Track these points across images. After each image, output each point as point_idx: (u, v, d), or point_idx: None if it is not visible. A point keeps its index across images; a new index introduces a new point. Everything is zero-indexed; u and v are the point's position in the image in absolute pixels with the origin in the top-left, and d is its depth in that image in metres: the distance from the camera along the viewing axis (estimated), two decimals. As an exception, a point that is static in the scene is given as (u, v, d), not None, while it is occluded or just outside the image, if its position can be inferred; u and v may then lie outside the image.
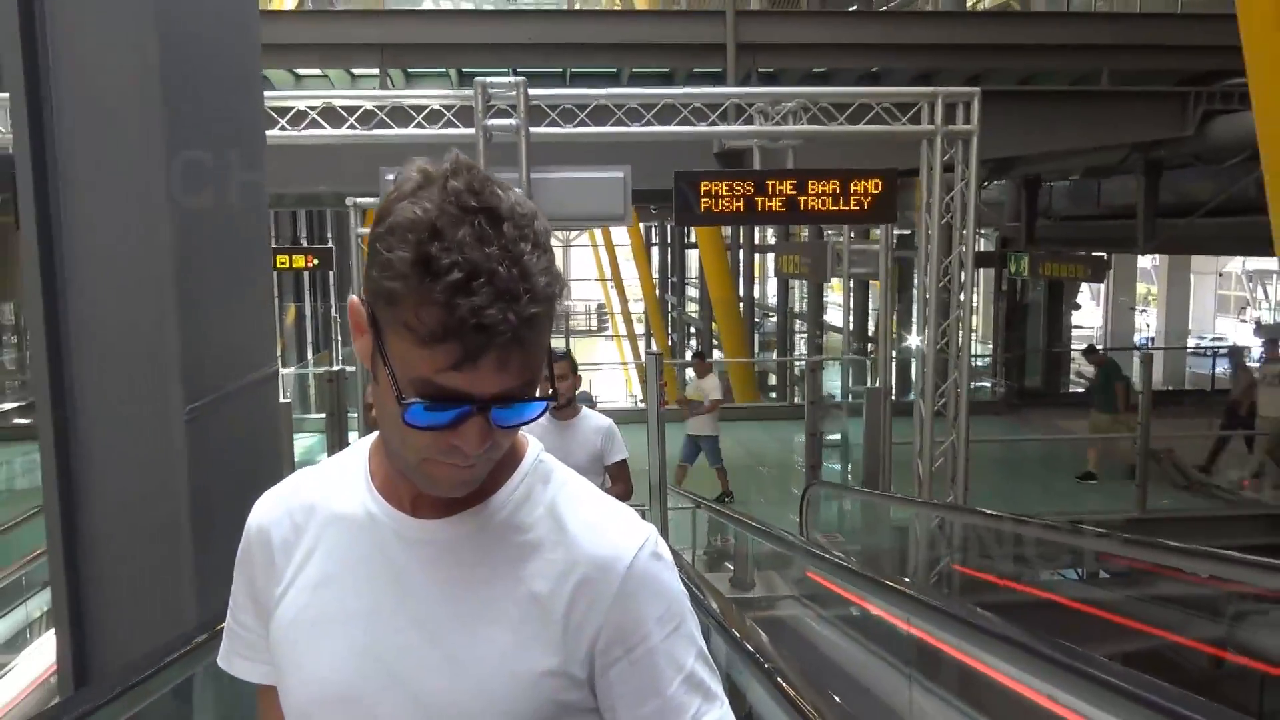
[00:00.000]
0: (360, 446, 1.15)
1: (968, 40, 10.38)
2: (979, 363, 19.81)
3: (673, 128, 7.05)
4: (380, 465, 1.10)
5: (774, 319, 25.22)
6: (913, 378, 13.83)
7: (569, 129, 6.91)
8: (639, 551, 1.04)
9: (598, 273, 36.57)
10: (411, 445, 0.97)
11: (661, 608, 1.04)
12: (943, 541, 7.79)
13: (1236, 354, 12.23)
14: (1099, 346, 16.24)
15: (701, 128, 7.06)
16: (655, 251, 32.35)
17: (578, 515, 1.07)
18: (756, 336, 24.75)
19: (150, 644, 2.76)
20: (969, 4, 16.92)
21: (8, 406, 17.93)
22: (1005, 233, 16.16)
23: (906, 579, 5.26)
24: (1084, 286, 20.22)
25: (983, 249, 18.43)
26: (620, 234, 28.79)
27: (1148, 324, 28.91)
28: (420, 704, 1.03)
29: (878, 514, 9.11)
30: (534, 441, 1.13)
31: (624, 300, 33.24)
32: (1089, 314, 26.90)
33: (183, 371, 3.01)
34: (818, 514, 9.23)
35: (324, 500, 1.12)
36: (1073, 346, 19.20)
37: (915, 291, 8.40)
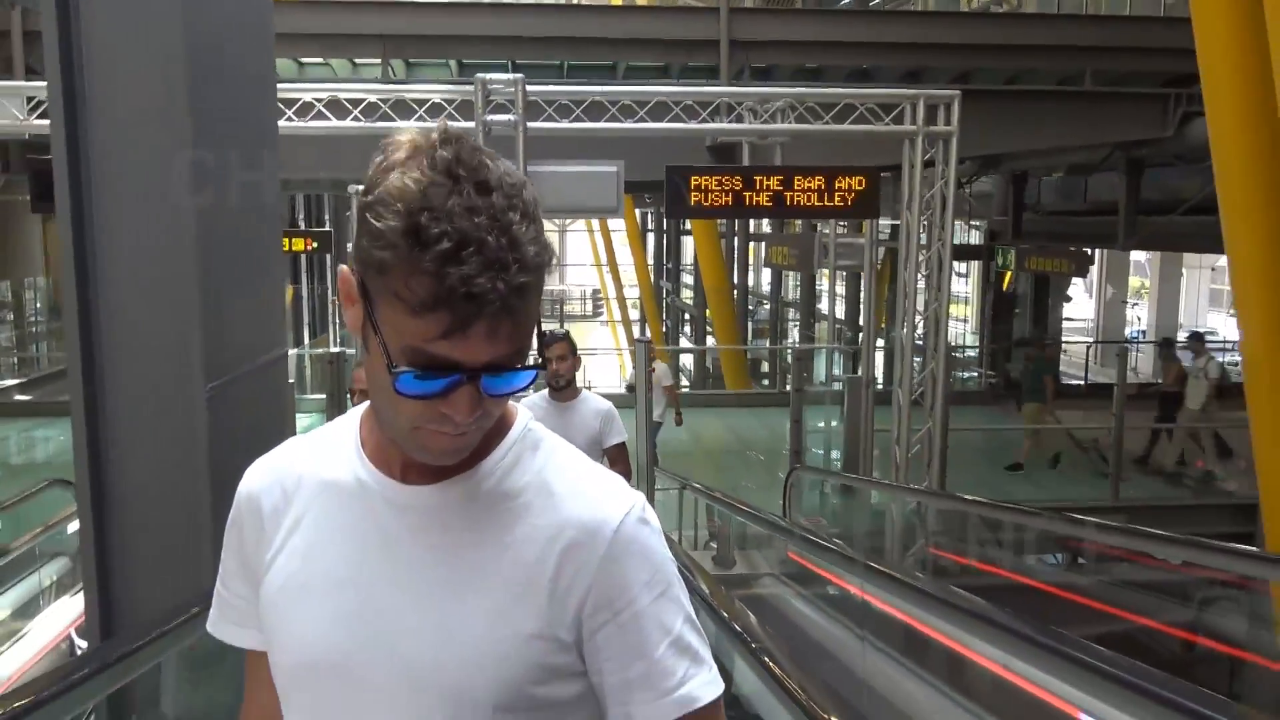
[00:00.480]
0: (351, 415, 1.17)
1: (954, 40, 10.64)
2: (970, 353, 20.16)
3: (665, 124, 7.34)
4: (371, 433, 1.11)
5: (768, 306, 25.48)
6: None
7: (565, 124, 7.19)
8: (626, 516, 1.05)
9: (593, 258, 36.71)
10: (403, 413, 0.98)
11: (648, 572, 1.05)
12: (918, 524, 8.14)
13: (1167, 346, 12.60)
14: (1048, 341, 16.60)
15: (692, 125, 7.35)
16: (650, 238, 32.49)
17: (565, 481, 1.08)
18: (750, 324, 25.05)
19: (171, 601, 2.96)
20: (962, 3, 17.16)
21: (10, 383, 18.16)
22: (994, 226, 16.46)
23: (866, 558, 5.56)
24: (1077, 279, 20.49)
25: (973, 242, 18.85)
26: (616, 220, 28.96)
27: (1139, 317, 29.17)
28: (409, 668, 1.04)
29: (859, 498, 9.45)
30: (523, 410, 1.15)
31: (619, 286, 33.33)
32: (1082, 306, 27.12)
33: (204, 353, 3.23)
34: (801, 498, 9.56)
35: (314, 468, 1.13)
36: (1063, 339, 19.51)
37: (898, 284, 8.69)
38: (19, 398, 16.04)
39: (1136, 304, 29.26)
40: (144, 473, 3.29)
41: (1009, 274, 16.52)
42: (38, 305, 21.01)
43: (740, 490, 10.16)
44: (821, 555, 6.09)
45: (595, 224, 34.10)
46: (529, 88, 7.00)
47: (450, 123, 0.98)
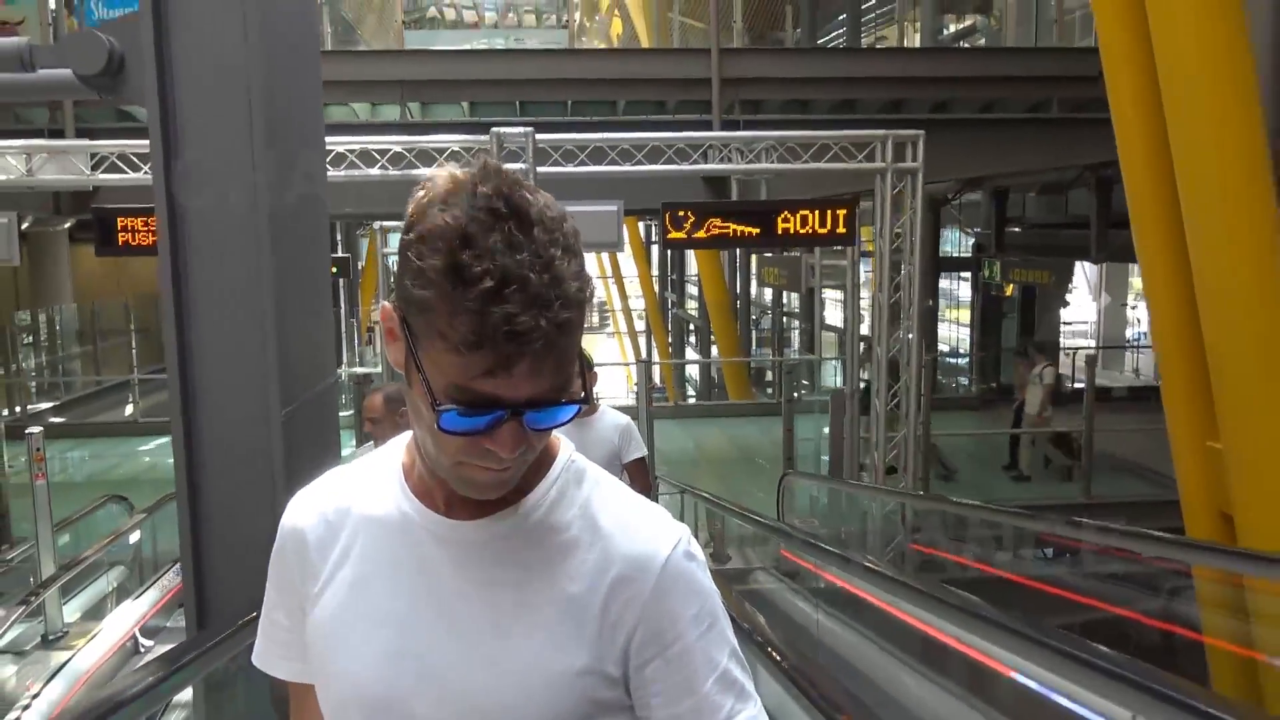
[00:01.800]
0: (393, 446, 1.16)
1: (930, 74, 11.44)
2: (961, 361, 20.86)
3: (660, 167, 8.18)
4: (414, 466, 1.10)
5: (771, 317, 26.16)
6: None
7: (571, 168, 8.03)
8: (673, 551, 1.05)
9: (599, 270, 37.37)
10: (446, 449, 0.98)
11: (696, 606, 1.04)
12: (897, 523, 8.89)
13: (1021, 355, 13.20)
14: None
15: (685, 166, 8.19)
16: (655, 251, 33.13)
17: (611, 515, 1.08)
18: (755, 334, 25.76)
19: (252, 597, 3.63)
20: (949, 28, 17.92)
21: (44, 405, 18.96)
22: (980, 239, 17.21)
23: (846, 553, 6.36)
24: (1081, 282, 21.06)
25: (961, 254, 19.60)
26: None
27: (1139, 319, 29.63)
28: (456, 703, 1.03)
29: (845, 500, 10.20)
30: (566, 442, 1.14)
31: (624, 298, 33.84)
32: (1085, 310, 27.57)
33: (279, 384, 3.71)
34: (794, 500, 10.34)
35: (357, 501, 1.12)
36: (1063, 343, 20.09)
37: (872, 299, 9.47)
38: (53, 420, 16.83)
39: (1136, 306, 29.76)
40: (230, 490, 3.71)
41: (1009, 285, 17.22)
42: (58, 330, 21.85)
43: (742, 495, 10.93)
44: (806, 550, 6.90)
45: (613, 204, 34.41)
46: (538, 136, 7.83)
47: (490, 159, 0.98)
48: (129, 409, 20.01)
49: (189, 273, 3.68)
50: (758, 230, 8.54)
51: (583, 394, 0.98)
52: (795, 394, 11.60)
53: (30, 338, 20.66)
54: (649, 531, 1.06)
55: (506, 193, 0.92)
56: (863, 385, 10.25)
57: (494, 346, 0.89)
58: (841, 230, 8.22)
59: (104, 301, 21.40)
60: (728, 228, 8.42)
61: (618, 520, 1.07)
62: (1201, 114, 5.55)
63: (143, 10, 3.70)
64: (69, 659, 6.13)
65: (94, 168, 7.96)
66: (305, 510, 1.15)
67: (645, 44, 18.57)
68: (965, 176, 12.11)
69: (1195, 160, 5.57)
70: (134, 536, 8.72)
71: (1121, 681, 2.83)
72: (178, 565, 8.46)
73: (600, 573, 1.04)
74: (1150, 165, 5.94)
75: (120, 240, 8.19)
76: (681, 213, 8.38)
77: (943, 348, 20.52)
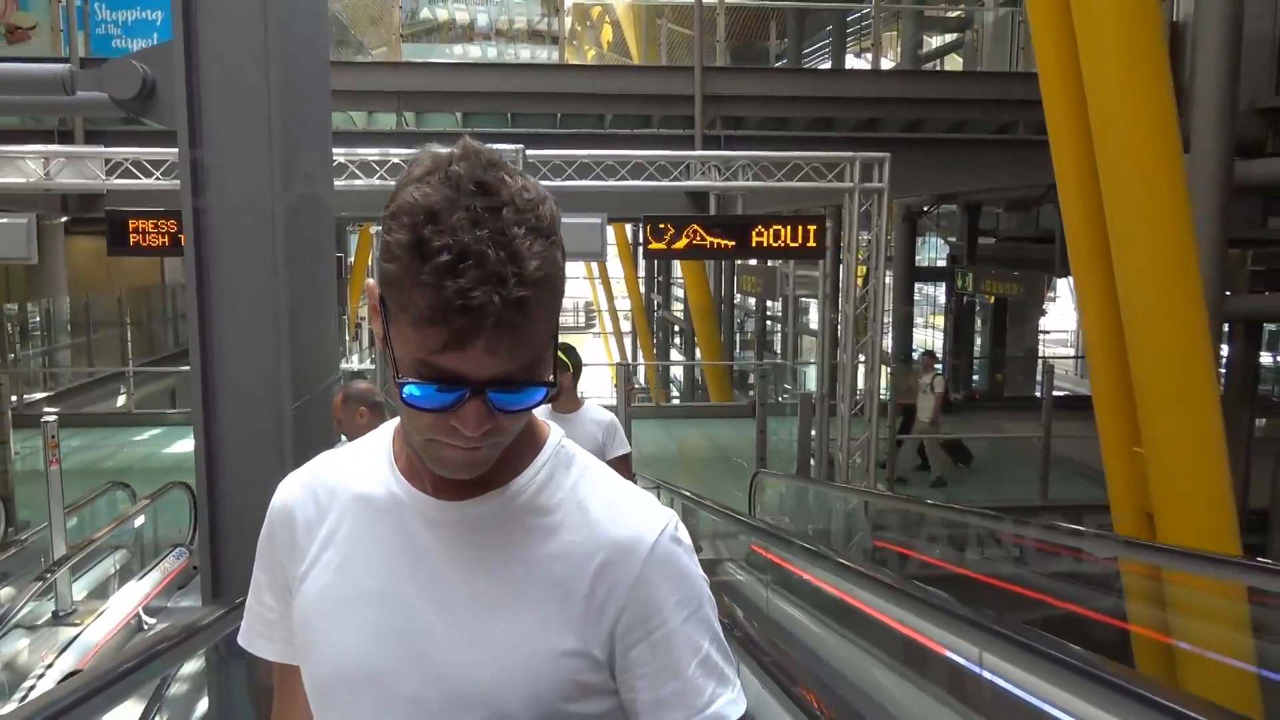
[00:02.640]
0: (385, 430, 1.17)
1: (904, 95, 11.98)
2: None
3: (642, 183, 8.72)
4: (403, 448, 1.11)
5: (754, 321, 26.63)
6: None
7: (559, 182, 8.55)
8: (660, 535, 1.05)
9: (586, 271, 37.64)
10: (415, 425, 0.99)
11: (681, 591, 1.05)
12: (860, 519, 9.45)
13: (904, 365, 13.86)
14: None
15: (665, 183, 8.73)
16: (640, 253, 33.09)
17: (599, 499, 1.08)
18: (739, 337, 26.26)
19: None
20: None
21: (39, 395, 19.32)
22: (954, 251, 17.81)
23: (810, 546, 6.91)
24: (1063, 289, 21.58)
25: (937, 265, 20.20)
26: (608, 234, 29.69)
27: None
28: (442, 682, 1.04)
29: (811, 498, 10.76)
30: (555, 428, 1.15)
31: (610, 299, 34.15)
32: (1066, 318, 28.07)
33: (291, 379, 3.96)
34: (764, 497, 10.89)
35: (347, 482, 1.13)
36: (1042, 351, 20.65)
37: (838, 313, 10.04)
38: (47, 410, 17.19)
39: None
40: (244, 475, 3.94)
41: (990, 295, 17.82)
42: (53, 322, 22.20)
43: (719, 492, 11.47)
44: (771, 542, 7.43)
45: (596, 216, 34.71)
46: (528, 152, 8.35)
47: (470, 140, 0.97)
48: (121, 400, 20.40)
49: (211, 274, 4.02)
50: (733, 243, 9.09)
51: (552, 379, 0.98)
52: (776, 397, 12.15)
53: (22, 329, 20.99)
54: (636, 516, 1.07)
55: (479, 174, 0.93)
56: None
57: (447, 321, 0.90)
58: (812, 244, 8.78)
59: (96, 294, 21.70)
60: (705, 240, 8.97)
61: (605, 505, 1.08)
62: (1126, 145, 6.14)
63: (175, 43, 4.16)
64: (78, 634, 6.53)
65: (108, 173, 8.46)
66: (295, 491, 1.16)
67: (634, 50, 19.06)
68: (935, 193, 12.65)
69: (1119, 187, 6.15)
70: (138, 521, 9.19)
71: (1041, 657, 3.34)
72: (177, 549, 9.01)
73: (587, 556, 1.05)
74: (1082, 190, 6.51)
75: (131, 241, 8.69)
76: (662, 225, 8.92)
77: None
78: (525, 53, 10.94)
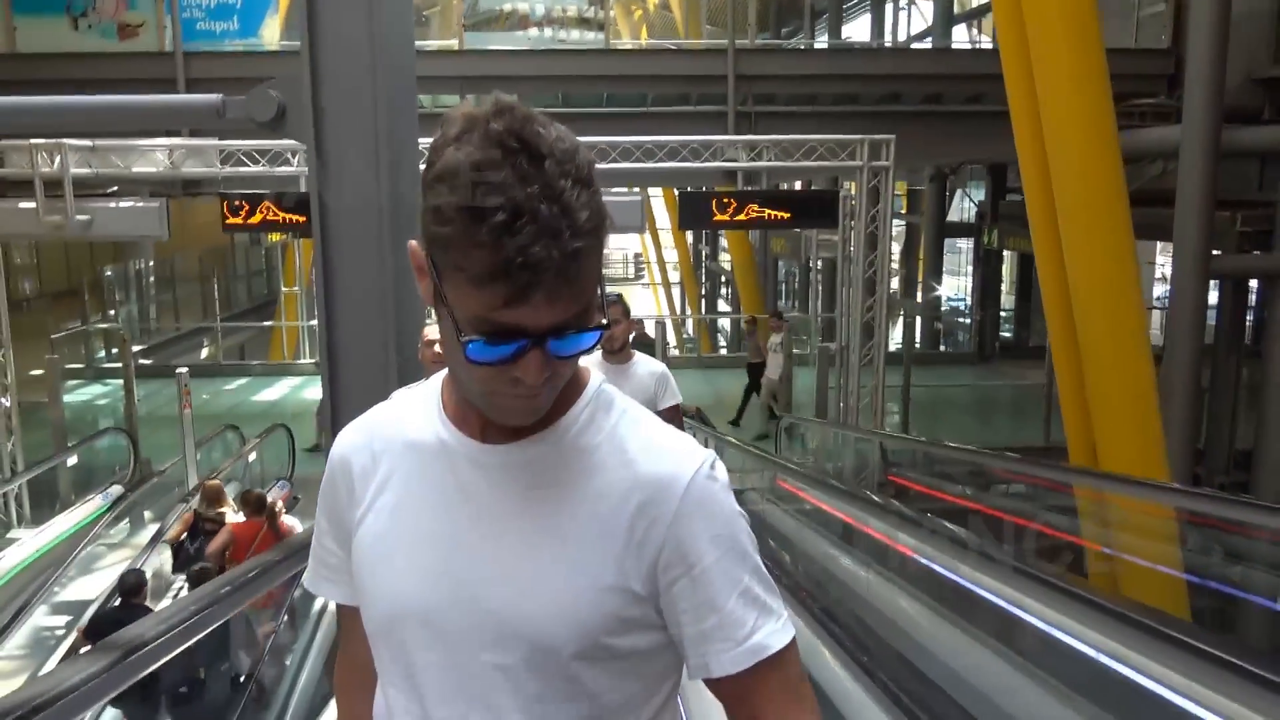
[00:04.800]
0: (433, 381, 1.21)
1: (923, 71, 13.03)
2: (965, 320, 22.44)
3: (677, 164, 10.03)
4: (451, 396, 1.16)
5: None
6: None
7: (604, 165, 9.84)
8: (696, 473, 1.09)
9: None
10: (476, 378, 1.03)
11: (719, 526, 1.09)
12: (873, 458, 10.70)
13: (750, 324, 14.33)
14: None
15: (696, 165, 10.04)
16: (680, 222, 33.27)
17: (638, 439, 1.13)
18: (784, 287, 27.30)
19: None
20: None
21: (136, 349, 21.09)
22: (980, 208, 18.73)
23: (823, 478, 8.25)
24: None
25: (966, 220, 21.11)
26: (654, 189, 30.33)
27: (1166, 276, 29.99)
28: (490, 618, 1.09)
29: (834, 438, 12.04)
30: (595, 371, 1.18)
31: (659, 249, 34.79)
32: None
33: (396, 340, 4.30)
34: (793, 438, 12.23)
35: (400, 430, 1.18)
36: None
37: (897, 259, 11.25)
38: (143, 361, 18.92)
39: (1162, 265, 30.43)
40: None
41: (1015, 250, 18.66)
42: (147, 281, 23.93)
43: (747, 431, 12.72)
44: (789, 475, 8.75)
45: (636, 190, 35.47)
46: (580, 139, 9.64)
47: (502, 96, 1.00)
48: (204, 352, 22.17)
49: (333, 256, 4.61)
50: (760, 213, 10.37)
51: (604, 321, 1.02)
52: (818, 347, 13.37)
53: (121, 289, 22.73)
54: (674, 455, 1.11)
55: (518, 128, 0.96)
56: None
57: (509, 278, 0.93)
58: (826, 210, 10.07)
59: (177, 253, 23.17)
60: (735, 210, 10.27)
61: (644, 444, 1.12)
62: (1069, 138, 7.25)
63: (302, 75, 5.38)
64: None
65: (222, 161, 9.99)
66: (352, 441, 1.21)
67: (678, 22, 20.13)
68: (956, 160, 13.65)
69: (1061, 161, 7.24)
70: (251, 457, 10.84)
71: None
72: (280, 481, 10.57)
73: (627, 494, 1.08)
74: (1037, 161, 7.62)
75: (242, 217, 10.25)
76: (696, 200, 10.21)
77: (945, 307, 22.11)
78: (575, 35, 12.04)
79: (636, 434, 1.13)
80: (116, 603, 6.27)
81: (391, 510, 1.16)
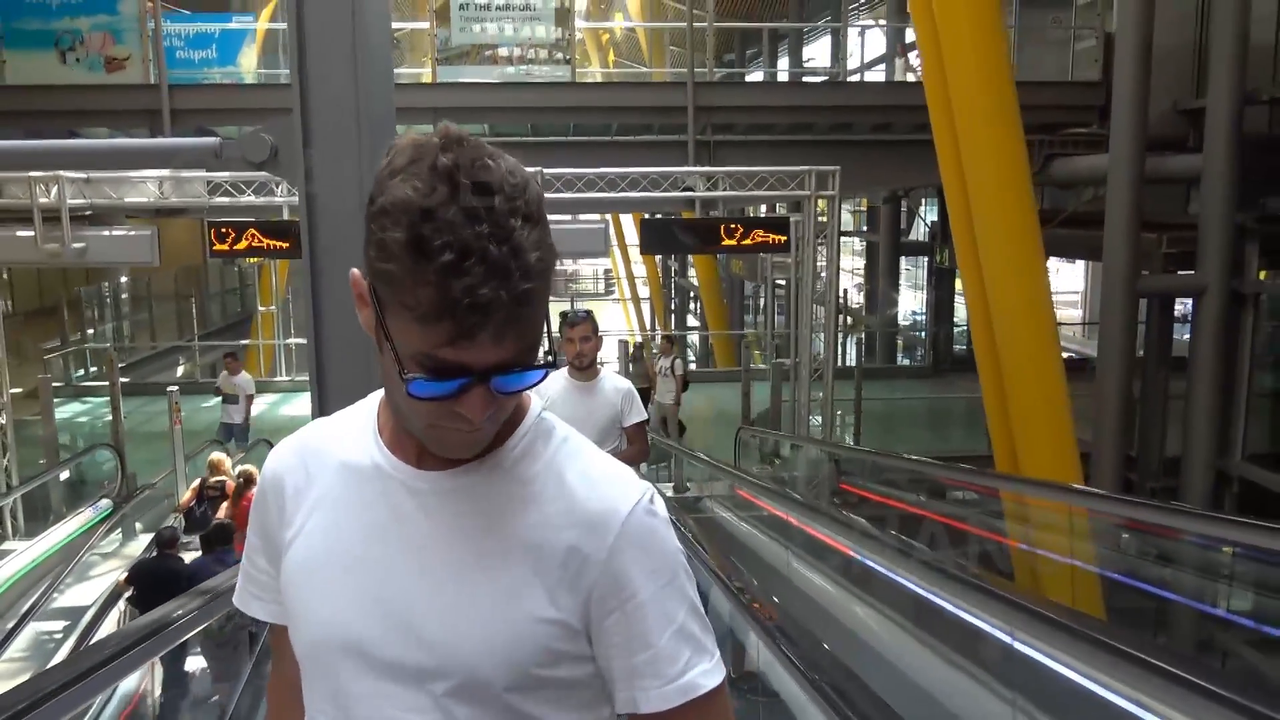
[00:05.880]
0: (369, 401, 1.21)
1: (870, 102, 13.76)
2: (921, 334, 23.28)
3: (639, 194, 10.75)
4: (387, 420, 1.15)
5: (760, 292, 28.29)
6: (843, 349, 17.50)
7: (571, 194, 10.57)
8: (635, 507, 1.08)
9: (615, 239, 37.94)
10: (417, 413, 1.02)
11: (656, 561, 1.08)
12: (825, 467, 11.37)
13: (638, 350, 14.86)
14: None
15: (657, 194, 10.78)
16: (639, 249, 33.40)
17: (576, 471, 1.11)
18: (750, 304, 28.05)
19: None
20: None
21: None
22: (932, 228, 19.59)
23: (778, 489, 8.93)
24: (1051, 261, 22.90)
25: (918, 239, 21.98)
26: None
27: None
28: (422, 647, 1.07)
29: (788, 449, 12.71)
30: (536, 400, 1.16)
31: (628, 264, 35.25)
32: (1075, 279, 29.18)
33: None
34: (749, 449, 12.87)
35: (335, 451, 1.17)
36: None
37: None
38: (121, 380, 19.24)
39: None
40: None
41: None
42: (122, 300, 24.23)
43: (717, 447, 13.35)
44: (746, 485, 9.41)
45: (602, 218, 35.91)
46: (545, 171, 10.35)
47: (451, 126, 0.98)
48: (180, 369, 22.52)
49: (321, 277, 4.95)
50: (717, 239, 11.11)
51: (551, 358, 1.01)
52: (773, 363, 14.03)
53: (97, 308, 23.04)
54: (612, 488, 1.10)
55: (468, 163, 0.94)
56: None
57: (456, 318, 0.92)
58: (777, 240, 10.83)
59: (152, 273, 23.46)
60: (693, 236, 11.01)
61: (582, 476, 1.11)
62: (984, 168, 7.98)
63: (294, 118, 5.99)
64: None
65: (210, 192, 10.62)
66: (286, 459, 1.21)
67: (644, 49, 20.90)
68: (904, 185, 14.42)
69: (980, 195, 7.99)
70: (236, 469, 11.36)
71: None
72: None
73: (563, 526, 1.07)
74: (959, 188, 8.38)
75: (228, 244, 10.87)
76: (656, 226, 10.93)
77: (903, 322, 22.96)
78: (544, 69, 12.67)
79: (575, 465, 1.13)
80: (154, 554, 7.49)
81: (324, 533, 1.15)
